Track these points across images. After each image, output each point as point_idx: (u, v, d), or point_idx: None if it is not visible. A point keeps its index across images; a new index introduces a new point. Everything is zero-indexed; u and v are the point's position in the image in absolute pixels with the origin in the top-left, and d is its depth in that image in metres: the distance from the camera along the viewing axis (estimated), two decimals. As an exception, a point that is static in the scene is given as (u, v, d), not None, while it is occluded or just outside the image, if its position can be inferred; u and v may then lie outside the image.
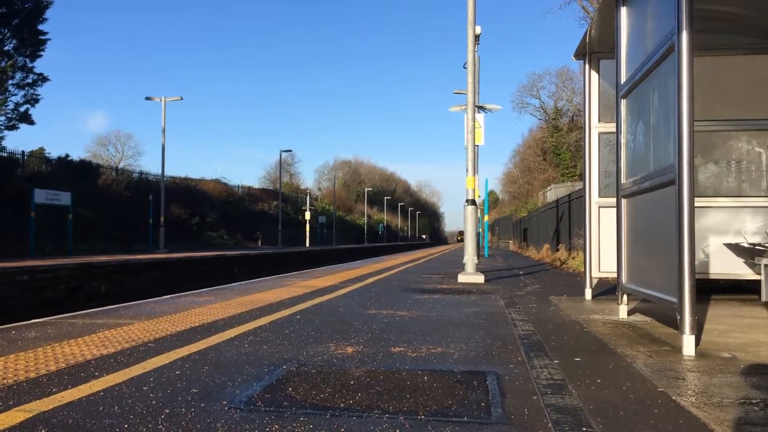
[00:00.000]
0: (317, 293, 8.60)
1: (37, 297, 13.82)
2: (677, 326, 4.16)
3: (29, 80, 30.58)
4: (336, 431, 2.54)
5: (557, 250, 20.34)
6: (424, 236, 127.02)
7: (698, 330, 4.26)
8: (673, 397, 3.06)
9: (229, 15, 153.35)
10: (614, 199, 6.26)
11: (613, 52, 6.37)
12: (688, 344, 4.10)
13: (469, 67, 11.22)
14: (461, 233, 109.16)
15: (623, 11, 5.85)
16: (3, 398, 3.04)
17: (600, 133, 7.85)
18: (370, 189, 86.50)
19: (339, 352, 4.25)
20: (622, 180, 5.82)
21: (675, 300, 4.17)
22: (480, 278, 10.82)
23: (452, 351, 4.29)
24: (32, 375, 3.53)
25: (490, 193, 61.35)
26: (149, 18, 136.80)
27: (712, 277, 7.86)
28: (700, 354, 4.13)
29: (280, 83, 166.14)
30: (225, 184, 52.09)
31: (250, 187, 59.10)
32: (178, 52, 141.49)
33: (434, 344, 4.56)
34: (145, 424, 2.63)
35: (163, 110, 30.44)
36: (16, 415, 2.75)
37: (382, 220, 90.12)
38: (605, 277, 8.12)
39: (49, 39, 31.22)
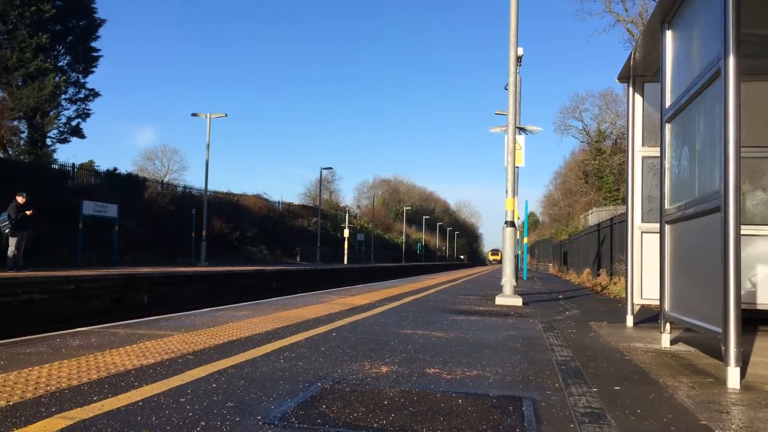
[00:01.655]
0: (354, 311, 8.61)
1: (82, 306, 14.18)
2: (722, 357, 4.05)
3: (81, 95, 31.77)
4: (368, 451, 2.54)
5: (598, 275, 19.98)
6: (462, 257, 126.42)
7: (744, 362, 4.13)
8: (716, 431, 2.97)
9: (274, 36, 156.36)
10: (657, 225, 6.14)
11: (657, 75, 6.29)
12: (733, 376, 3.98)
13: (511, 88, 11.20)
14: (494, 252, 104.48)
15: (668, 35, 5.78)
16: (45, 405, 3.12)
17: (644, 157, 7.73)
18: (409, 208, 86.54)
19: (374, 371, 4.25)
20: (666, 205, 5.71)
21: (719, 330, 4.05)
22: (518, 301, 10.69)
23: (488, 374, 4.25)
24: (74, 383, 3.61)
25: (530, 216, 60.65)
26: (198, 38, 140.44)
27: (759, 307, 7.61)
28: (745, 387, 4.00)
29: (322, 101, 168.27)
30: (266, 199, 52.80)
31: (290, 204, 59.76)
32: (224, 70, 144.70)
33: (470, 367, 4.52)
34: (182, 435, 2.67)
35: (208, 126, 31.11)
36: (58, 422, 2.82)
37: (420, 240, 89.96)
38: (648, 305, 7.94)
39: (102, 56, 32.37)
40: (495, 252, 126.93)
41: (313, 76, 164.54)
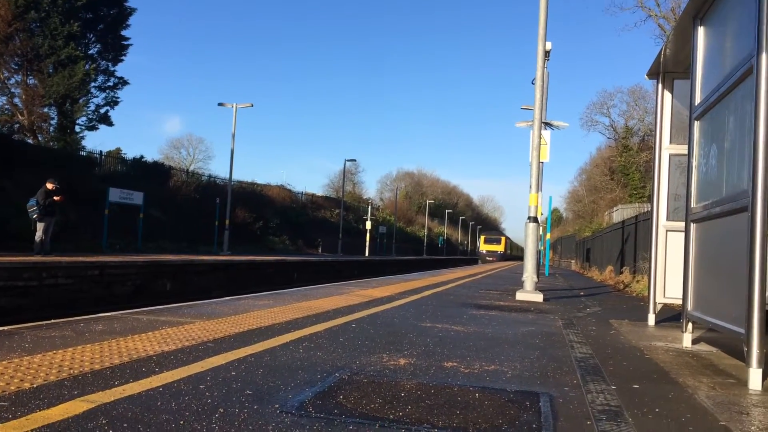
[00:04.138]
0: (373, 303, 8.64)
1: (106, 291, 14.39)
2: (744, 358, 3.99)
3: (110, 83, 32.14)
4: (384, 442, 2.55)
5: (621, 273, 19.79)
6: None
7: (766, 364, 4.07)
8: (736, 433, 2.93)
9: (301, 29, 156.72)
10: (683, 223, 6.06)
11: (687, 72, 6.19)
12: (755, 378, 3.93)
13: (538, 83, 11.10)
14: (488, 239, 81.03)
15: (700, 31, 5.69)
16: (68, 388, 3.18)
17: (671, 155, 7.63)
18: (432, 201, 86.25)
19: (391, 363, 4.26)
20: (692, 204, 5.63)
21: (742, 331, 4.00)
22: (539, 297, 10.64)
23: (506, 369, 4.24)
24: (97, 367, 3.68)
25: (554, 211, 60.19)
26: (225, 27, 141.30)
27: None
28: (767, 389, 3.94)
29: (348, 93, 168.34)
30: (289, 190, 53.05)
31: (313, 195, 59.96)
32: (250, 60, 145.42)
33: (488, 361, 4.51)
34: (200, 422, 2.71)
35: (234, 116, 31.24)
36: (80, 405, 2.87)
37: (442, 233, 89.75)
38: (670, 304, 7.85)
39: (131, 44, 32.71)
40: (491, 239, 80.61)
41: (339, 68, 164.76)
